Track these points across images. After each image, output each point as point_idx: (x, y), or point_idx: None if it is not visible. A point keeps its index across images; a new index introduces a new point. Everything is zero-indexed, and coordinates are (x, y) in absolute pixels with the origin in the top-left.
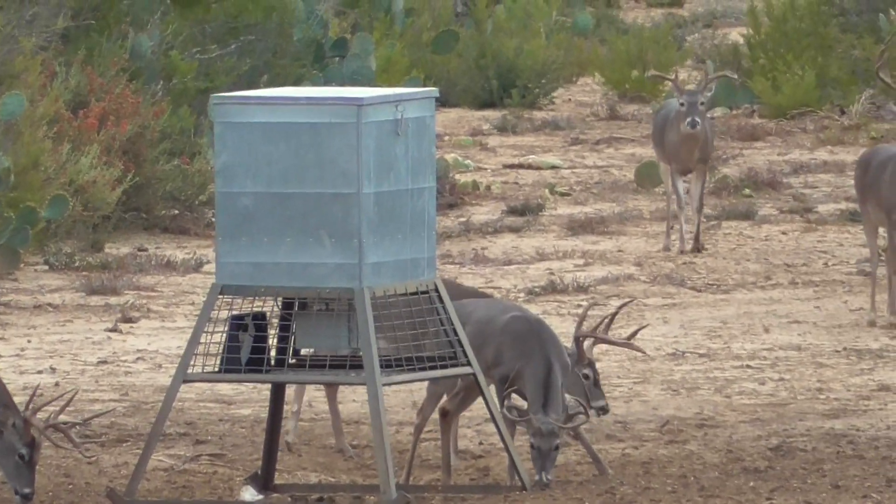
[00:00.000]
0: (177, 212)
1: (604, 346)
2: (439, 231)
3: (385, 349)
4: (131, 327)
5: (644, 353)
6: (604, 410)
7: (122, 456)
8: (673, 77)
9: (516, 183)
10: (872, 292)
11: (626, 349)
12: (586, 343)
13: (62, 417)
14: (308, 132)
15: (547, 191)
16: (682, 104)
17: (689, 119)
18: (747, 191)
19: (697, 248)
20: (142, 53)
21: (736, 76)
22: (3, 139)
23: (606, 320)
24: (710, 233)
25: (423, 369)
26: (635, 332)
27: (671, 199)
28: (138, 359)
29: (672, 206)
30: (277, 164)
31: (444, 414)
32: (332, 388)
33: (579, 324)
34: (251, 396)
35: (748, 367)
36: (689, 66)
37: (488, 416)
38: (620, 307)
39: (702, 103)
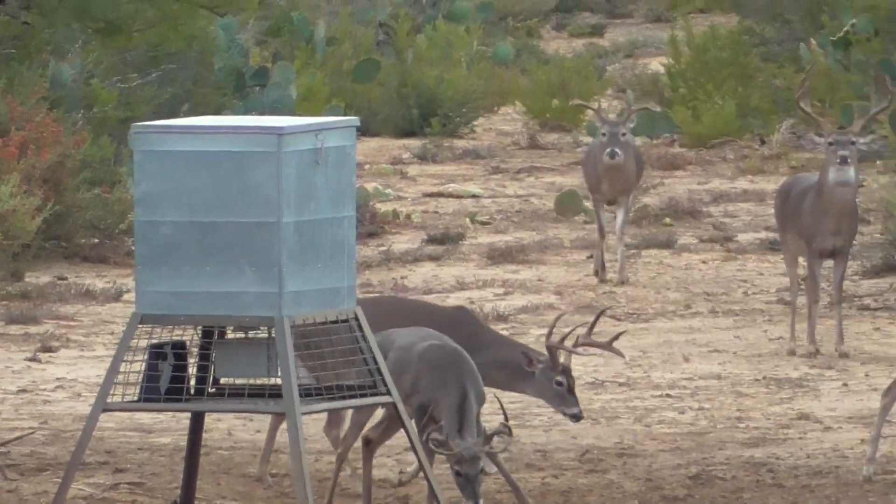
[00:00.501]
0: (97, 241)
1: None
2: (359, 260)
3: (309, 378)
4: (51, 356)
5: (623, 356)
6: (576, 417)
7: (42, 484)
8: (596, 107)
9: (437, 212)
10: (792, 321)
11: (608, 352)
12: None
13: None
14: (228, 161)
15: (467, 220)
16: (603, 134)
17: (608, 150)
18: (667, 220)
19: (622, 280)
20: (63, 82)
21: (658, 108)
22: None
23: (587, 327)
24: (630, 262)
25: (343, 398)
26: (616, 337)
27: (601, 226)
28: (58, 387)
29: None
30: (198, 193)
31: (367, 443)
32: (277, 418)
33: (549, 333)
34: (171, 425)
35: (668, 396)
36: (610, 95)
37: (408, 445)
38: (600, 314)
39: (623, 134)
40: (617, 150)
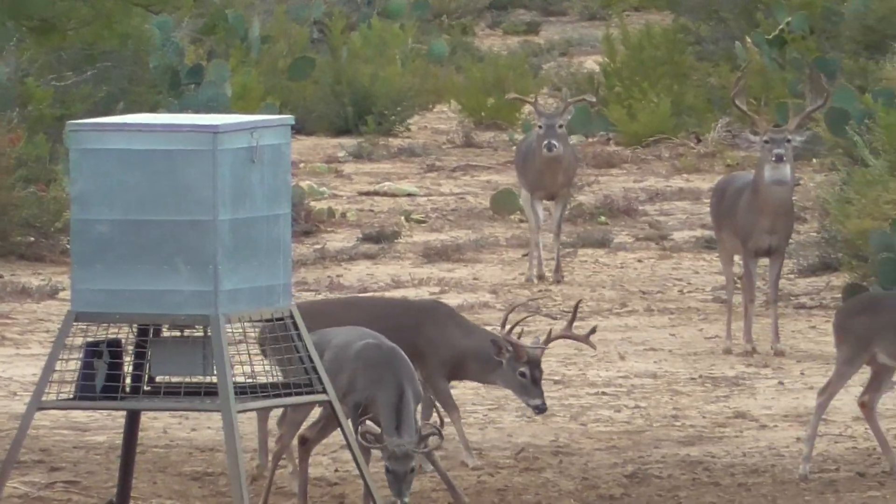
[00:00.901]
0: (32, 239)
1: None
2: (295, 258)
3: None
4: None
5: (594, 348)
6: (539, 409)
7: None
8: (533, 100)
9: (372, 210)
10: (728, 320)
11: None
12: (530, 341)
13: None
14: (164, 159)
15: (403, 218)
16: (540, 127)
17: (546, 142)
18: (603, 218)
19: (558, 279)
20: None
21: (594, 99)
22: None
23: (567, 321)
24: (566, 260)
25: (279, 396)
26: (592, 331)
27: (537, 221)
28: None
29: (532, 233)
30: (133, 192)
31: (303, 441)
32: (263, 414)
33: (504, 324)
34: (106, 423)
35: (604, 394)
36: (546, 93)
37: (344, 443)
38: (577, 305)
39: (560, 126)
40: (554, 142)
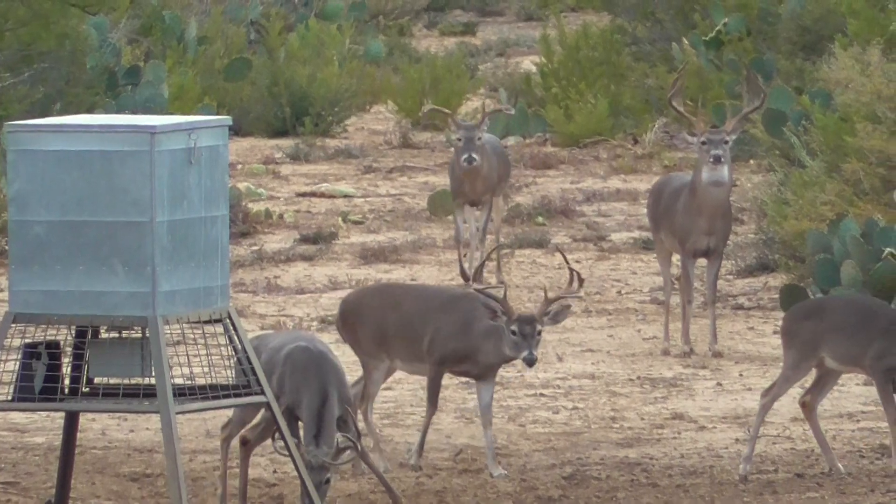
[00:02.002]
0: None
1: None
2: (232, 260)
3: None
4: None
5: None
6: (528, 362)
7: None
8: (450, 112)
9: (309, 211)
10: (666, 321)
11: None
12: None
13: None
14: (101, 160)
15: (340, 219)
16: (458, 139)
17: (465, 155)
18: (540, 219)
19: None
20: None
21: (513, 111)
22: None
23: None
24: (503, 261)
25: (217, 398)
26: (578, 279)
27: (458, 231)
28: None
29: (464, 236)
30: (70, 193)
31: (244, 443)
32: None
33: (476, 275)
34: (45, 425)
35: (542, 395)
36: (482, 94)
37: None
38: (494, 250)
39: (479, 138)
40: (474, 155)
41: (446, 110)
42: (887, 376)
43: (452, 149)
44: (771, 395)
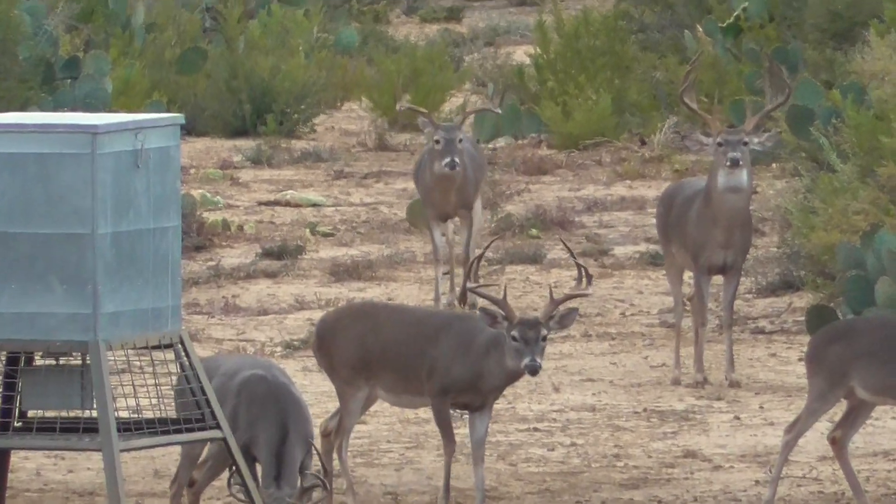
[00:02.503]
0: None
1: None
2: (185, 276)
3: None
4: None
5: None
6: (531, 370)
7: None
8: (426, 112)
9: (272, 222)
10: (677, 346)
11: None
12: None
13: None
14: (35, 164)
15: (307, 231)
16: (437, 142)
17: (447, 159)
18: (534, 231)
19: (463, 301)
20: None
21: (499, 110)
22: None
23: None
24: (492, 278)
25: (167, 432)
26: (587, 276)
27: (436, 248)
28: None
29: (443, 253)
30: (1, 200)
31: (191, 484)
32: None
33: (468, 275)
34: None
35: (536, 430)
36: (468, 89)
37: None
38: (487, 247)
39: (460, 140)
40: (456, 159)
41: (422, 109)
42: None
43: (426, 153)
44: (795, 430)
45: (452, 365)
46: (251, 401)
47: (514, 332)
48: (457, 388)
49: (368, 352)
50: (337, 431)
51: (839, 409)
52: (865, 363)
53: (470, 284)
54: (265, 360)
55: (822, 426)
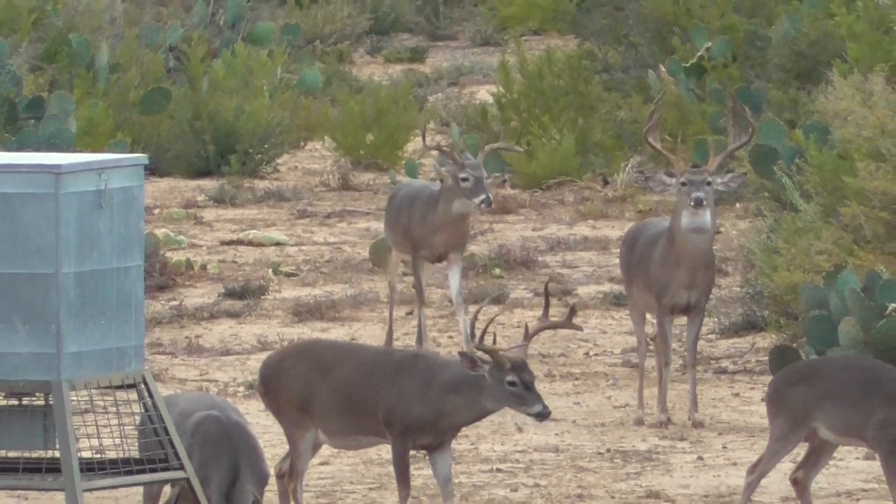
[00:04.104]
0: None
1: None
2: (148, 316)
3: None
4: None
5: (581, 329)
6: (541, 416)
7: None
8: (448, 148)
9: (235, 262)
10: (640, 386)
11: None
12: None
13: None
14: (0, 204)
15: (270, 271)
16: (465, 179)
17: (482, 196)
18: (497, 271)
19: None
20: None
21: (519, 149)
22: None
23: (542, 308)
24: (455, 318)
25: (130, 473)
26: (572, 311)
27: (421, 290)
28: None
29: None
30: None
31: None
32: None
33: (472, 334)
34: None
35: (499, 471)
36: (433, 129)
37: None
38: (546, 287)
39: (487, 178)
40: (490, 196)
41: (444, 147)
42: (892, 448)
43: (439, 193)
44: (758, 471)
45: (414, 405)
46: (205, 441)
47: (511, 378)
48: (417, 429)
49: (314, 392)
50: (290, 475)
51: (801, 450)
52: (829, 404)
53: (475, 344)
54: (220, 400)
55: (785, 466)
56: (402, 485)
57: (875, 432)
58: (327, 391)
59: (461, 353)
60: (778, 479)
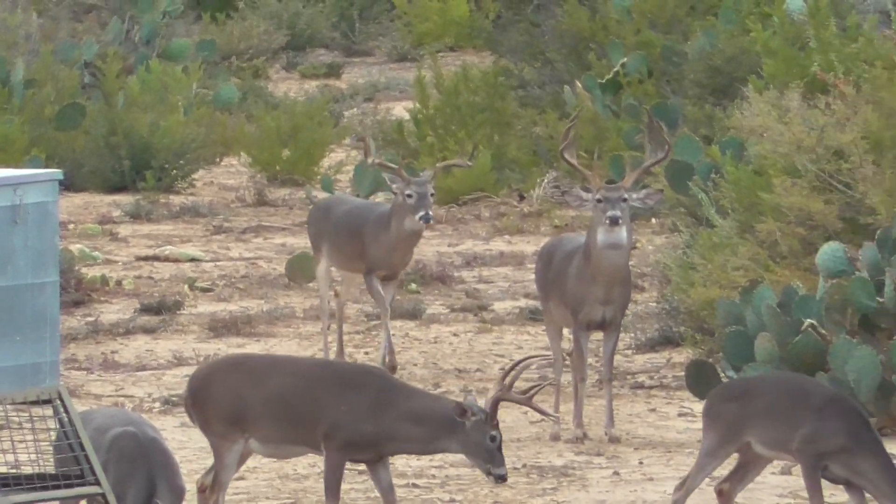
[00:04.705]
0: None
1: None
2: (63, 332)
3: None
4: None
5: (551, 415)
6: (503, 478)
7: None
8: (397, 167)
9: (151, 277)
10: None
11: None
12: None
13: None
14: None
15: (186, 286)
16: (409, 195)
17: (422, 213)
18: (413, 286)
19: (393, 365)
20: None
21: (470, 164)
22: None
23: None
24: (371, 334)
25: (46, 488)
26: (537, 388)
27: (380, 308)
28: None
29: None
30: None
31: None
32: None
33: (504, 383)
34: None
35: (415, 486)
36: (348, 144)
37: None
38: (527, 359)
39: (432, 194)
40: (431, 212)
41: (392, 165)
42: (817, 463)
43: (391, 211)
44: (685, 488)
45: (362, 423)
46: (121, 457)
47: (494, 434)
48: (360, 446)
49: (247, 404)
50: (212, 488)
51: (731, 463)
52: (761, 419)
53: (501, 394)
54: (136, 416)
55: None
56: (330, 498)
57: (801, 445)
58: (261, 401)
59: (457, 404)
60: (698, 494)
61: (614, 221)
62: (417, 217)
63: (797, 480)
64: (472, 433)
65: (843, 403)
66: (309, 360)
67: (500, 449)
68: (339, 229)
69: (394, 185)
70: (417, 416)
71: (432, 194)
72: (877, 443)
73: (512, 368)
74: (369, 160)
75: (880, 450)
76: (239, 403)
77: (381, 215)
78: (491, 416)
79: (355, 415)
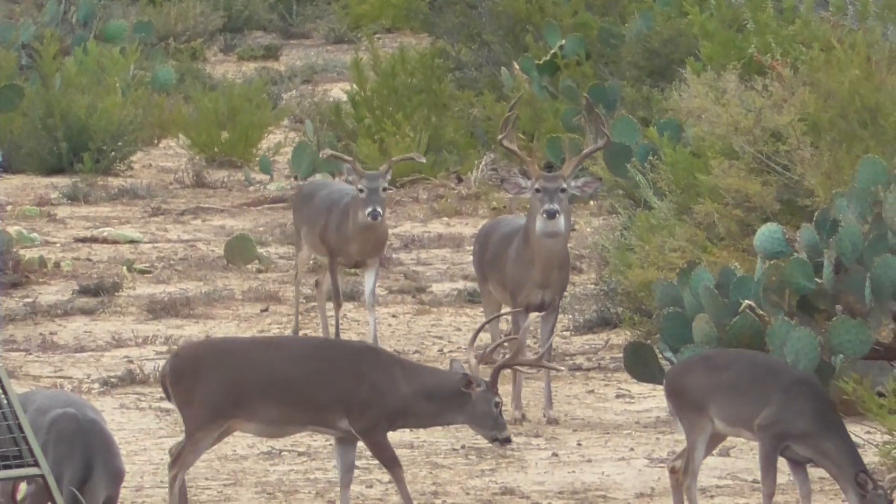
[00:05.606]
0: None
1: None
2: (2, 313)
3: None
4: None
5: (560, 369)
6: (508, 441)
7: None
8: (351, 159)
9: (89, 259)
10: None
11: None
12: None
13: None
14: None
15: (124, 268)
16: (361, 190)
17: (369, 209)
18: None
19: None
20: None
21: (423, 159)
22: None
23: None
24: (310, 315)
25: None
26: (497, 344)
27: (338, 293)
28: None
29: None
30: None
31: None
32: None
33: (491, 350)
34: None
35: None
36: (286, 126)
37: None
38: (507, 339)
39: (384, 189)
40: (378, 208)
41: (347, 157)
42: (777, 444)
43: (351, 198)
44: (689, 472)
45: (388, 398)
46: (60, 438)
47: (498, 400)
48: (389, 422)
49: (246, 387)
50: (176, 464)
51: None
52: (726, 394)
53: (474, 352)
54: (77, 398)
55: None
56: (395, 467)
57: (764, 423)
58: (264, 383)
59: (463, 375)
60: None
61: (551, 215)
62: (366, 212)
63: (735, 462)
64: (478, 404)
65: (810, 384)
66: (310, 340)
67: (501, 414)
68: (313, 214)
69: (350, 178)
70: (429, 392)
71: (385, 189)
72: (840, 425)
73: (499, 345)
74: (321, 153)
75: (844, 432)
76: (235, 387)
77: (347, 206)
78: (492, 384)
79: (381, 393)
